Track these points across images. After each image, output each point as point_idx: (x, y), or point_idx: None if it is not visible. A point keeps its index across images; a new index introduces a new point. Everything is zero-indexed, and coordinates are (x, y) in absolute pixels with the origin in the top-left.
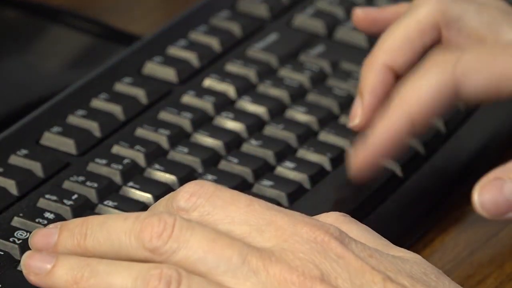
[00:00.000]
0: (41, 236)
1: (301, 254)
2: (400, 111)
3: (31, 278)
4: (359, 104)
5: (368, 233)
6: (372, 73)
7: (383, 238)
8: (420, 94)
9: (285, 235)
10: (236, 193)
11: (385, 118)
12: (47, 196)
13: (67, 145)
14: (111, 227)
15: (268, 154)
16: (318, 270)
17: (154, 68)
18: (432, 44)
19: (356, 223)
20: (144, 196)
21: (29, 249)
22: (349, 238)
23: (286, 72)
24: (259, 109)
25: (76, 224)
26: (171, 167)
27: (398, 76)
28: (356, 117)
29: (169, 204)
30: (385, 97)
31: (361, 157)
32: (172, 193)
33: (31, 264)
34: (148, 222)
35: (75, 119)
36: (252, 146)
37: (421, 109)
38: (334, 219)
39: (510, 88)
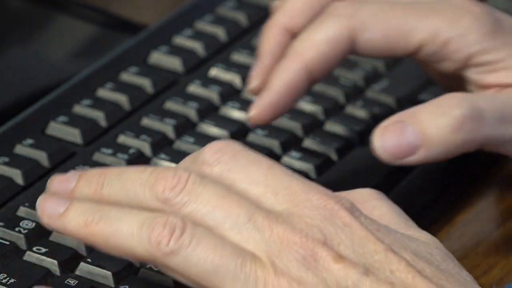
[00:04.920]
0: (59, 181)
1: (308, 219)
2: (297, 61)
3: (44, 220)
4: (258, 65)
5: (395, 212)
6: (271, 35)
7: (410, 219)
8: (316, 44)
9: (297, 200)
10: (260, 155)
11: (283, 69)
12: None
13: (73, 135)
14: (128, 178)
15: (274, 144)
16: (322, 235)
17: (160, 58)
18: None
19: (387, 201)
20: None
21: (34, 240)
22: (359, 212)
23: None
24: None
25: (95, 173)
26: (177, 157)
27: None
28: (255, 79)
29: (196, 158)
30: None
31: (261, 109)
32: (200, 150)
33: (46, 206)
34: (163, 175)
35: (81, 108)
36: (258, 136)
37: (318, 59)
38: (367, 193)
39: (406, 45)
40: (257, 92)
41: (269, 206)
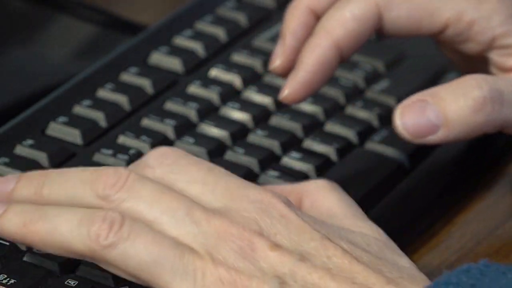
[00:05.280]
0: None
1: (244, 213)
2: (326, 39)
3: None
4: (280, 45)
5: (345, 204)
6: (295, 15)
7: (360, 210)
8: (344, 21)
9: (234, 196)
10: (201, 160)
11: (312, 46)
12: None
13: (73, 135)
14: (68, 177)
15: (274, 145)
16: (259, 226)
17: (160, 58)
18: None
19: (339, 193)
20: None
21: None
22: (295, 206)
23: None
24: (265, 100)
25: (36, 174)
26: None
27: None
28: (277, 58)
29: (139, 163)
30: (305, 39)
31: (294, 88)
32: (143, 156)
33: None
34: (104, 173)
35: (81, 109)
36: (258, 137)
37: (346, 36)
38: (320, 184)
39: (431, 24)
40: (280, 71)
41: (207, 203)
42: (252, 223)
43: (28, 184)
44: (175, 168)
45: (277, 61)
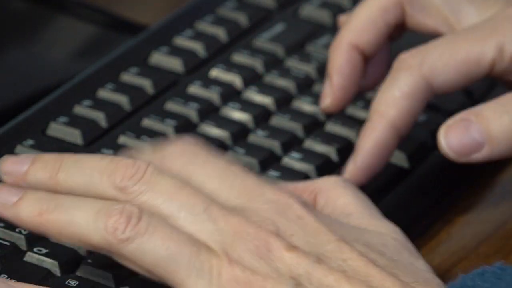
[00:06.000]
0: (12, 162)
1: (261, 212)
2: (381, 123)
3: None
4: (328, 85)
5: (360, 201)
6: (339, 53)
7: (374, 208)
8: (395, 102)
9: (251, 195)
10: (219, 155)
11: (370, 132)
12: None
13: (74, 136)
14: (85, 164)
15: (275, 145)
16: (275, 227)
17: (161, 59)
18: (396, 21)
19: (352, 190)
20: None
21: (34, 241)
22: (312, 207)
23: (292, 63)
24: (265, 100)
25: (51, 157)
26: None
27: (365, 55)
28: (326, 98)
29: (156, 154)
30: (352, 76)
31: (353, 172)
32: (161, 146)
33: None
34: (122, 163)
35: (82, 109)
36: (258, 137)
37: (401, 116)
38: (333, 181)
39: (478, 71)
40: (331, 110)
41: (224, 200)
42: (268, 223)
43: (43, 167)
44: (193, 163)
45: (327, 101)
